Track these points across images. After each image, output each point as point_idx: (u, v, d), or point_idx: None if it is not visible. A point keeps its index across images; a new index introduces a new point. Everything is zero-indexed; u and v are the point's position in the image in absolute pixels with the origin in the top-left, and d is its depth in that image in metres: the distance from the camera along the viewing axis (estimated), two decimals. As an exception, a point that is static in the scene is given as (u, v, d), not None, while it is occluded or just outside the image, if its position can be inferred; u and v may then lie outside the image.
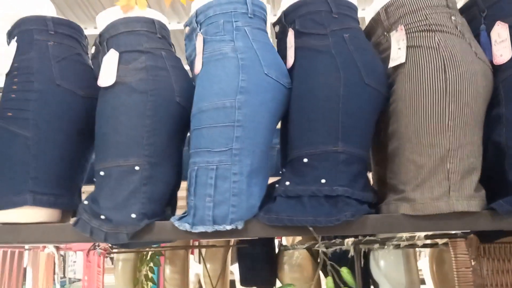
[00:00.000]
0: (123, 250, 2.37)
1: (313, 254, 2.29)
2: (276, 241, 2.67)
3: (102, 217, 1.21)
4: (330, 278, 1.18)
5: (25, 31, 1.38)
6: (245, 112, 1.18)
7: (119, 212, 1.21)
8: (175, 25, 5.42)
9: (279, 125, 1.33)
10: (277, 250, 2.49)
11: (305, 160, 1.19)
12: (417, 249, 2.19)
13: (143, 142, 1.23)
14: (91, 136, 1.36)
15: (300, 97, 1.23)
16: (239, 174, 1.17)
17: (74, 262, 6.12)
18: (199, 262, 3.19)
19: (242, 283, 2.49)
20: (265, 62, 1.22)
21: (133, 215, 1.20)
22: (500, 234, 1.66)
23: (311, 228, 1.16)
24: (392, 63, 1.25)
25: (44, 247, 2.53)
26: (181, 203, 1.40)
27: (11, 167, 1.28)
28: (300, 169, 1.20)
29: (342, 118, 1.18)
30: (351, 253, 2.04)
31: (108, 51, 1.30)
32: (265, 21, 1.33)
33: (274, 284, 2.41)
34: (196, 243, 2.60)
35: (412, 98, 1.19)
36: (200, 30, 1.29)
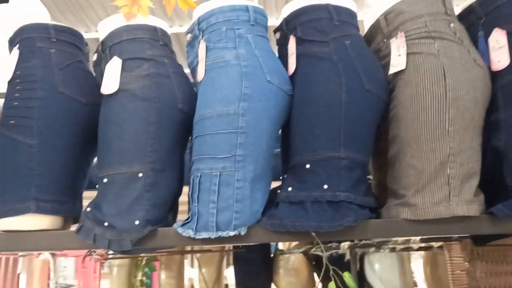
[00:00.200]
0: (118, 256, 2.37)
1: (309, 258, 2.30)
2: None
3: (106, 224, 1.22)
4: (332, 283, 1.19)
5: (27, 38, 1.38)
6: (248, 119, 1.19)
7: (122, 219, 1.21)
8: (177, 28, 5.44)
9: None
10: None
11: (307, 166, 1.21)
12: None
13: (147, 149, 1.24)
14: (93, 142, 1.37)
15: (302, 103, 1.24)
16: (242, 180, 1.18)
17: (65, 267, 6.05)
18: (192, 266, 3.19)
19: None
20: (268, 69, 1.23)
21: (137, 222, 1.21)
22: (493, 237, 1.68)
23: (313, 234, 1.17)
24: (392, 70, 1.27)
25: (39, 253, 2.52)
26: (181, 208, 1.41)
27: (14, 175, 1.28)
28: (303, 175, 1.21)
29: (344, 124, 1.20)
30: (347, 256, 2.05)
31: (111, 58, 1.31)
32: (266, 28, 1.34)
33: (270, 288, 2.41)
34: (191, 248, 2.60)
35: (412, 104, 1.20)
36: (202, 37, 1.30)
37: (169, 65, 1.32)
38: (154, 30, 1.35)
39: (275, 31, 1.39)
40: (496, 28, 1.26)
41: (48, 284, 2.62)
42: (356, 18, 1.35)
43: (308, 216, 1.17)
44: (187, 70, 1.39)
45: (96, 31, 5.69)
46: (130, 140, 1.24)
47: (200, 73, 1.27)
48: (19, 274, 2.73)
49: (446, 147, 1.17)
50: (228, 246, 2.47)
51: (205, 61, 1.26)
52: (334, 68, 1.22)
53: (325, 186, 1.18)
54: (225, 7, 1.29)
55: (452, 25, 1.26)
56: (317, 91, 1.22)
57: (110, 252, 2.20)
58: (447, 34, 1.24)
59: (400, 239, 1.88)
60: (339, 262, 2.08)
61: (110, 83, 1.27)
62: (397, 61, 1.26)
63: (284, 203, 1.21)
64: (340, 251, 2.05)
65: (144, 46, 1.32)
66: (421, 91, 1.19)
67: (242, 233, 1.18)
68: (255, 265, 2.37)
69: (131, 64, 1.29)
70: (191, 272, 3.00)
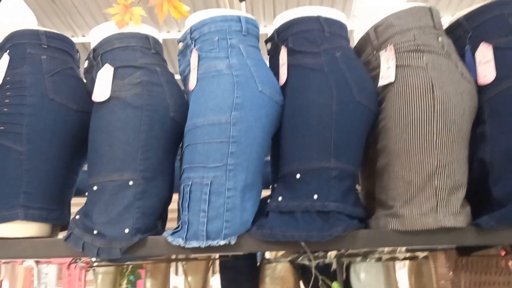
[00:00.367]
0: (103, 263, 2.35)
1: (296, 267, 2.31)
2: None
3: (95, 232, 1.21)
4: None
5: (17, 44, 1.37)
6: (240, 128, 1.20)
7: (112, 227, 1.21)
8: (164, 34, 5.45)
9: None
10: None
11: (298, 175, 1.22)
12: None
13: (138, 157, 1.24)
14: (82, 150, 1.36)
15: (293, 113, 1.25)
16: (233, 189, 1.19)
17: (46, 274, 5.98)
18: (176, 274, 3.17)
19: (224, 296, 2.48)
20: (259, 80, 1.24)
21: (127, 230, 1.21)
22: (477, 248, 1.71)
23: (303, 243, 1.18)
24: (381, 82, 1.29)
25: (23, 260, 2.49)
26: (171, 215, 1.41)
27: (2, 181, 1.27)
28: (293, 185, 1.22)
29: (334, 135, 1.21)
30: (334, 266, 2.06)
31: (102, 65, 1.31)
32: (258, 39, 1.35)
33: (257, 296, 2.41)
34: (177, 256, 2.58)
35: (401, 116, 1.22)
36: (194, 46, 1.30)
37: (161, 74, 1.32)
38: (146, 38, 1.36)
39: (266, 41, 1.41)
40: (482, 43, 1.29)
41: (32, 292, 2.59)
42: (347, 30, 1.37)
43: (298, 226, 1.18)
44: (177, 76, 1.39)
45: (83, 36, 5.70)
46: (121, 148, 1.24)
47: (192, 82, 1.27)
48: (1, 281, 2.70)
49: (433, 159, 1.19)
50: (214, 254, 2.47)
51: (197, 70, 1.27)
52: (325, 79, 1.24)
53: (315, 196, 1.19)
54: (217, 17, 1.30)
55: (440, 38, 1.29)
56: (308, 102, 1.23)
57: (95, 259, 2.18)
58: (435, 47, 1.26)
59: (386, 249, 1.90)
60: (325, 271, 2.08)
61: (102, 90, 1.27)
62: (387, 74, 1.28)
63: (274, 213, 1.22)
64: (327, 261, 2.06)
65: (136, 54, 1.32)
66: (410, 103, 1.21)
67: (232, 242, 1.18)
68: (241, 274, 2.37)
69: (123, 72, 1.29)
70: (176, 280, 2.98)
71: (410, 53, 1.26)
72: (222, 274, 2.42)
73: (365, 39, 1.38)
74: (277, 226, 1.19)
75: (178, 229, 1.22)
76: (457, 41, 1.34)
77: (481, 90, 1.28)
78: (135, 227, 1.21)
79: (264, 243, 1.20)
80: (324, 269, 2.09)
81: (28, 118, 1.29)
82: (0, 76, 1.33)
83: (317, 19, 1.32)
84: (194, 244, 1.17)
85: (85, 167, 1.49)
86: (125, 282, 2.52)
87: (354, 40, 1.45)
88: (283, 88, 1.29)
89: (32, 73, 1.33)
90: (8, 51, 1.37)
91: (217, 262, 2.52)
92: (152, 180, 1.25)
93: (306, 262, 2.15)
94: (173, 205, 1.37)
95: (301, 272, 2.31)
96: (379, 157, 1.29)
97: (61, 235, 1.34)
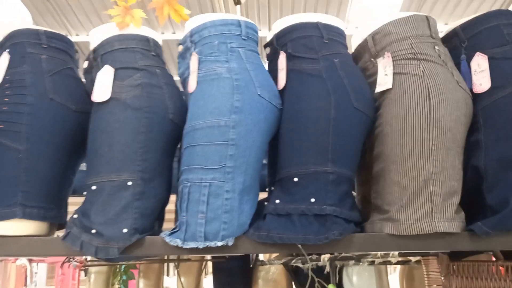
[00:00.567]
0: (97, 263, 2.35)
1: (289, 269, 2.32)
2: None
3: (93, 231, 1.22)
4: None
5: (17, 44, 1.38)
6: (239, 131, 1.21)
7: (110, 226, 1.21)
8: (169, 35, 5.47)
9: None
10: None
11: (295, 179, 1.23)
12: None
13: (137, 158, 1.24)
14: (80, 150, 1.37)
15: (291, 118, 1.27)
16: (231, 192, 1.20)
17: (36, 273, 5.96)
18: (167, 275, 3.17)
19: (217, 298, 2.49)
20: (258, 84, 1.26)
21: (125, 230, 1.21)
22: (469, 253, 1.73)
23: (300, 246, 1.20)
24: (378, 88, 1.31)
25: (16, 258, 2.48)
26: (167, 216, 1.42)
27: (1, 180, 1.27)
28: (290, 188, 1.24)
29: (332, 140, 1.23)
30: (327, 269, 2.08)
31: (102, 66, 1.32)
32: (257, 43, 1.37)
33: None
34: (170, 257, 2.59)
35: (397, 123, 1.24)
36: (194, 49, 1.32)
37: (160, 76, 1.33)
38: (146, 40, 1.37)
39: (265, 46, 1.42)
40: (478, 53, 1.32)
41: (24, 290, 2.58)
42: (345, 37, 1.39)
43: (295, 229, 1.19)
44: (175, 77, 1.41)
45: (77, 35, 5.70)
46: (120, 148, 1.25)
47: (192, 85, 1.29)
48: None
49: (429, 165, 1.21)
50: (208, 255, 2.47)
51: (197, 73, 1.28)
52: (324, 85, 1.25)
53: (312, 200, 1.21)
54: (217, 21, 1.32)
55: (436, 47, 1.31)
56: (307, 107, 1.25)
57: (89, 258, 2.18)
58: (432, 56, 1.28)
59: (379, 252, 1.92)
60: (318, 274, 2.10)
61: (102, 91, 1.28)
62: (384, 80, 1.30)
63: (271, 215, 1.23)
64: (320, 263, 2.07)
65: (136, 56, 1.33)
66: (406, 110, 1.23)
67: (230, 243, 1.20)
68: (234, 275, 2.38)
69: (123, 73, 1.30)
70: (168, 281, 2.99)
71: (407, 61, 1.28)
72: (215, 276, 2.43)
73: (363, 46, 1.40)
74: (274, 229, 1.20)
75: (176, 230, 1.23)
76: (453, 50, 1.37)
77: (476, 98, 1.30)
78: (133, 227, 1.22)
79: (261, 245, 1.22)
80: (317, 271, 2.11)
81: (27, 117, 1.29)
82: (0, 75, 1.34)
83: (316, 26, 1.34)
84: (192, 245, 1.19)
85: (82, 167, 1.50)
86: (117, 282, 2.52)
87: (352, 46, 1.47)
88: (282, 92, 1.31)
89: (31, 72, 1.33)
90: (8, 50, 1.38)
91: (210, 263, 2.52)
92: (151, 181, 1.26)
93: (300, 265, 2.17)
94: (170, 206, 1.38)
95: (294, 274, 2.33)
96: (375, 162, 1.31)
97: (58, 234, 1.35)
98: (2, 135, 1.29)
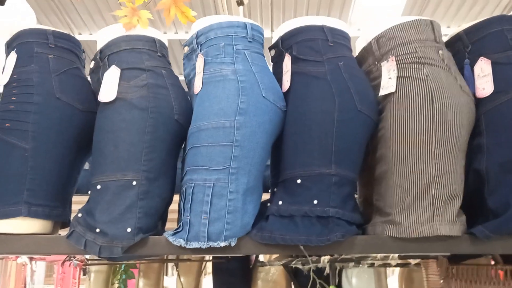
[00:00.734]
0: (98, 262, 2.36)
1: (288, 270, 2.33)
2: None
3: (97, 230, 1.23)
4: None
5: (25, 43, 1.39)
6: (244, 132, 1.22)
7: (115, 226, 1.22)
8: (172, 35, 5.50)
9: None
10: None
11: (299, 181, 1.24)
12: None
13: (142, 157, 1.25)
14: (85, 149, 1.38)
15: (296, 120, 1.28)
16: (235, 192, 1.21)
17: (34, 271, 5.95)
18: (166, 274, 3.18)
19: (216, 298, 2.50)
20: (263, 86, 1.27)
21: (129, 229, 1.22)
22: (468, 256, 1.75)
23: (302, 247, 1.20)
24: (382, 92, 1.32)
25: (17, 256, 2.49)
26: (170, 216, 1.43)
27: (7, 178, 1.28)
28: (293, 189, 1.25)
29: (336, 142, 1.24)
30: (327, 270, 2.09)
31: (109, 67, 1.33)
32: (262, 45, 1.38)
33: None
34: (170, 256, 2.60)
35: (400, 126, 1.25)
36: (200, 51, 1.33)
37: (166, 76, 1.34)
38: (152, 41, 1.38)
39: (270, 48, 1.43)
40: (481, 57, 1.33)
41: (24, 288, 2.59)
42: (349, 40, 1.40)
43: (298, 230, 1.20)
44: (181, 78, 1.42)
45: (79, 34, 5.70)
46: (126, 148, 1.26)
47: (197, 86, 1.30)
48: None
49: (431, 169, 1.21)
50: (208, 256, 2.48)
51: (203, 74, 1.29)
52: (328, 87, 1.26)
53: (315, 201, 1.22)
54: (223, 23, 1.33)
55: (440, 52, 1.32)
56: (311, 109, 1.26)
57: (90, 257, 2.19)
58: (435, 60, 1.29)
59: (379, 255, 1.93)
60: (318, 275, 2.11)
61: (108, 91, 1.29)
62: (388, 84, 1.31)
63: (274, 216, 1.24)
64: (320, 265, 2.08)
65: (142, 57, 1.34)
66: (410, 114, 1.24)
67: (233, 244, 1.20)
68: (234, 276, 2.39)
69: (129, 74, 1.31)
70: (167, 280, 2.99)
71: (411, 65, 1.29)
72: (215, 276, 2.45)
73: (367, 49, 1.41)
74: (277, 230, 1.21)
75: (179, 230, 1.23)
76: (456, 54, 1.38)
77: (479, 103, 1.31)
78: (137, 227, 1.23)
79: (263, 246, 1.23)
80: (317, 273, 2.12)
81: (34, 116, 1.30)
82: (7, 73, 1.35)
83: (321, 29, 1.35)
84: (195, 245, 1.19)
85: (86, 166, 1.52)
86: (117, 281, 2.53)
87: (356, 49, 1.48)
88: (286, 94, 1.32)
89: (39, 71, 1.35)
90: (15, 49, 1.39)
91: (209, 263, 2.54)
92: (155, 181, 1.27)
93: (299, 266, 2.18)
94: (173, 206, 1.39)
95: (294, 276, 2.34)
96: (377, 165, 1.32)
97: (62, 232, 1.36)
98: (9, 134, 1.30)
